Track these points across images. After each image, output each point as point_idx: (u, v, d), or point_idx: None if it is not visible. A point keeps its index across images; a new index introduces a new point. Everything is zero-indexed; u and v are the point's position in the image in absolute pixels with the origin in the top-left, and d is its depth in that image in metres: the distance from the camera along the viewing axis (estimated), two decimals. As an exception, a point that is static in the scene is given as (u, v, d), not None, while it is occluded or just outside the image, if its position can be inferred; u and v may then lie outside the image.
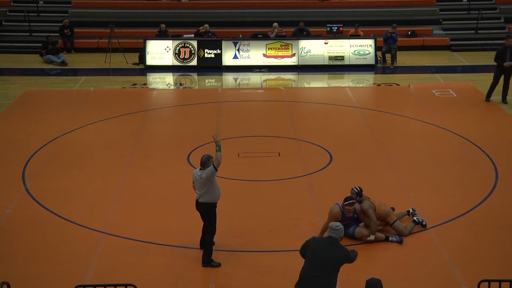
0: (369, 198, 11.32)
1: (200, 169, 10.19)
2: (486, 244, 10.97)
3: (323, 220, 11.63)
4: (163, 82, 22.52)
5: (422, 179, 13.62)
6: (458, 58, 25.24)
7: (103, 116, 17.56)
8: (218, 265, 10.27)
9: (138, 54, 24.17)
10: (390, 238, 11.05)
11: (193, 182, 10.37)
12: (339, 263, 8.38)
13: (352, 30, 24.62)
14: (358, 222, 11.18)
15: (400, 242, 10.99)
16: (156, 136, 16.32)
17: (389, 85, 21.42)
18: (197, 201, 10.29)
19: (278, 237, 11.22)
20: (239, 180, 13.53)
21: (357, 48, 23.59)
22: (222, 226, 10.59)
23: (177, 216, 11.97)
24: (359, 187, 11.36)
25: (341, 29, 24.27)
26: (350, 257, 8.52)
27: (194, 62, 23.48)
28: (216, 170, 10.07)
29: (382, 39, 24.10)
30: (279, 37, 23.93)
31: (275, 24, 24.41)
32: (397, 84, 21.35)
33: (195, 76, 23.08)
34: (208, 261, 10.26)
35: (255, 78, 22.44)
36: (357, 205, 11.03)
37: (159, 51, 23.46)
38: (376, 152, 15.12)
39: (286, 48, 23.49)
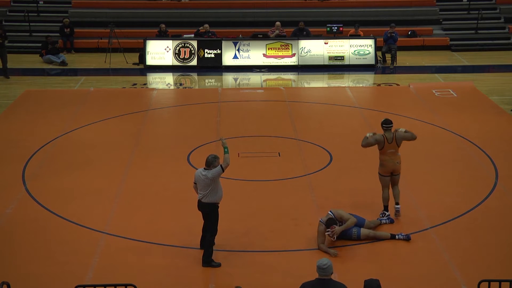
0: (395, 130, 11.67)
1: (204, 168, 10.17)
2: (486, 244, 10.97)
3: (323, 220, 11.64)
4: (163, 82, 22.53)
5: (422, 179, 13.61)
6: (458, 58, 25.23)
7: (103, 116, 17.56)
8: (218, 265, 10.27)
9: (138, 54, 24.18)
10: (397, 236, 11.00)
11: (194, 182, 10.35)
12: None
13: (352, 30, 24.61)
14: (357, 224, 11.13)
15: (407, 240, 10.97)
16: (156, 136, 16.32)
17: (389, 85, 21.41)
18: (199, 201, 10.27)
19: (278, 237, 11.22)
20: (239, 180, 13.52)
21: (357, 48, 23.59)
22: (222, 226, 10.57)
23: (177, 216, 11.97)
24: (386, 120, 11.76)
25: (341, 29, 24.25)
26: None
27: (194, 62, 23.48)
28: (223, 171, 10.07)
29: (382, 39, 24.10)
30: (279, 37, 23.93)
31: (278, 23, 24.38)
32: (397, 84, 21.35)
33: (195, 76, 23.08)
34: (208, 261, 10.26)
35: (255, 78, 22.44)
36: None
37: (159, 51, 23.45)
38: (376, 152, 15.07)
39: (286, 48, 23.49)
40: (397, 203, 11.80)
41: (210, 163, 10.13)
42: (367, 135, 11.81)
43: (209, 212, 10.22)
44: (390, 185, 11.84)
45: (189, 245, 10.87)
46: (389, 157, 11.68)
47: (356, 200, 12.49)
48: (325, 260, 7.84)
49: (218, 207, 10.27)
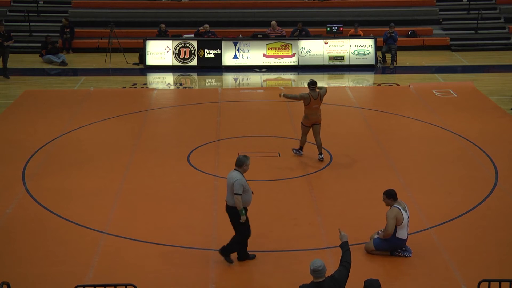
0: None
1: (235, 169, 10.02)
2: (486, 244, 10.97)
3: (323, 220, 11.65)
4: (163, 82, 22.53)
5: (422, 179, 13.61)
6: (458, 58, 25.24)
7: (103, 116, 17.56)
8: (230, 262, 10.19)
9: (138, 54, 24.18)
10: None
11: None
12: None
13: (352, 30, 24.61)
14: None
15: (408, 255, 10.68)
16: (156, 136, 16.32)
17: (389, 85, 21.42)
18: (226, 204, 10.15)
19: (278, 237, 11.21)
20: (239, 180, 13.50)
21: (357, 48, 23.59)
22: (222, 226, 10.58)
23: (177, 216, 11.96)
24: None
25: (341, 29, 24.26)
26: (344, 275, 7.95)
27: (194, 62, 23.49)
28: (237, 195, 9.86)
29: (382, 39, 24.10)
30: (279, 37, 23.94)
31: (273, 22, 24.41)
32: (397, 84, 21.35)
33: (195, 76, 23.08)
34: (226, 254, 10.20)
35: (255, 78, 22.44)
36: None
37: (159, 51, 23.46)
38: (376, 152, 15.11)
39: (286, 48, 23.49)
40: (320, 153, 14.25)
41: (242, 162, 9.97)
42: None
43: (230, 215, 10.11)
44: (312, 135, 14.23)
45: (189, 245, 10.87)
46: (313, 111, 14.05)
47: (356, 200, 12.49)
48: (318, 262, 7.79)
49: (246, 210, 10.07)
